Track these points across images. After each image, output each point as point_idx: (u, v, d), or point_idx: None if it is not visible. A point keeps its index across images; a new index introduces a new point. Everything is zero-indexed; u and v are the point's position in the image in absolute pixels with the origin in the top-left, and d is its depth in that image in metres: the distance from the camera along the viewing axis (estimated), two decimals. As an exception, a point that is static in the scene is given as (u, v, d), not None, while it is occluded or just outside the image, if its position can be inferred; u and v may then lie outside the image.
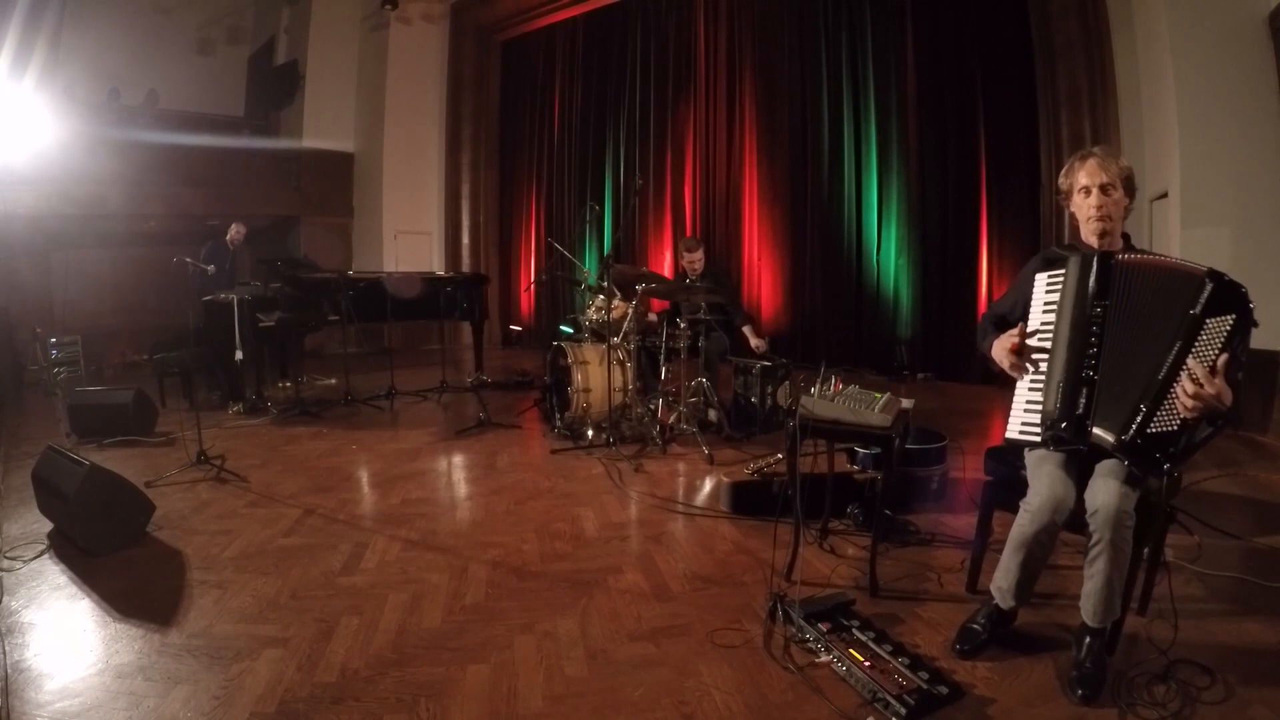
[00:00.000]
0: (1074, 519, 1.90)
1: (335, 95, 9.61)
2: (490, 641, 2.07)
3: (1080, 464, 1.89)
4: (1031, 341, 1.94)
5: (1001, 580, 1.96)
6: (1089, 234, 1.99)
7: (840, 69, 6.89)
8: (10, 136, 6.00)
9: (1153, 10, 4.62)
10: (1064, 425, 1.84)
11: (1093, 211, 1.96)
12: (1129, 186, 1.97)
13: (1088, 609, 1.79)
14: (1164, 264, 1.84)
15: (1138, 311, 1.80)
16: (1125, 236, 2.03)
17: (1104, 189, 1.94)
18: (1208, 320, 1.71)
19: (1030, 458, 1.96)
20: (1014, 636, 2.02)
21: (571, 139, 9.31)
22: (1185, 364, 1.71)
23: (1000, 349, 2.00)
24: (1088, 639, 1.81)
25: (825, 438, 2.52)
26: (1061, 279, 1.91)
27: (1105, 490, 1.75)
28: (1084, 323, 1.84)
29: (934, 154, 6.37)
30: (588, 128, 9.12)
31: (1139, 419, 1.74)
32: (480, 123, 10.05)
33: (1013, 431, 1.95)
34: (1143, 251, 1.97)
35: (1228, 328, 1.70)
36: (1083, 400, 1.82)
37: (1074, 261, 1.88)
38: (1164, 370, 1.73)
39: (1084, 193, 1.97)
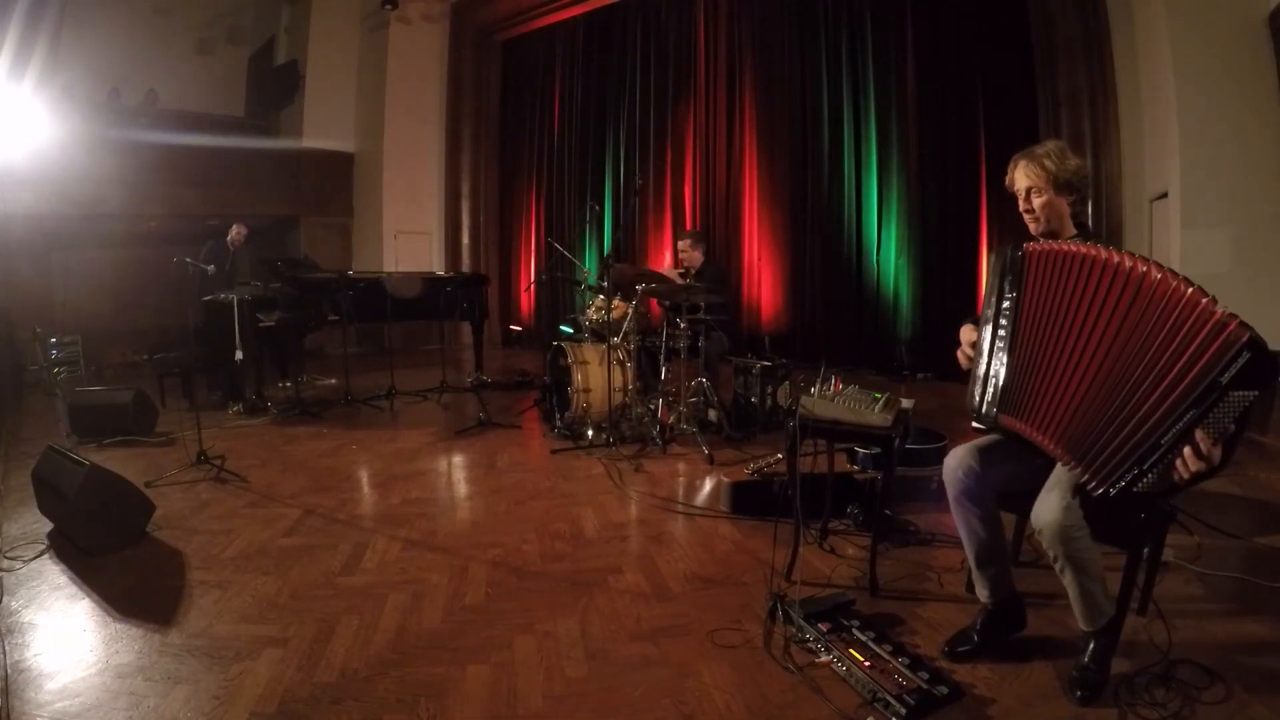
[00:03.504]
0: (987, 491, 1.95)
1: (335, 95, 9.61)
2: (490, 641, 2.07)
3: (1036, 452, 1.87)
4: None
5: (971, 572, 2.03)
6: (1032, 233, 2.03)
7: (840, 69, 6.89)
8: (10, 136, 6.00)
9: (1153, 10, 4.62)
10: (974, 415, 1.88)
11: (1025, 216, 2.03)
12: (1064, 185, 1.95)
13: (1076, 615, 1.82)
14: (1176, 293, 1.55)
15: (1084, 307, 1.69)
16: (1081, 226, 2.03)
17: (1028, 194, 1.99)
18: (1230, 392, 1.50)
19: None
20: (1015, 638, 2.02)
21: (571, 139, 9.31)
22: (1195, 433, 1.52)
23: (963, 336, 2.07)
24: (1091, 643, 1.81)
25: (825, 438, 2.52)
26: None
27: (1047, 507, 1.74)
28: (995, 315, 1.87)
29: (934, 154, 6.37)
30: (588, 128, 9.13)
31: (1128, 478, 1.61)
32: (480, 123, 10.05)
33: (975, 422, 2.01)
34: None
35: (1247, 404, 1.51)
36: (990, 390, 1.84)
37: (994, 256, 1.93)
38: (1170, 435, 1.55)
39: (1016, 195, 2.04)
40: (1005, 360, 1.84)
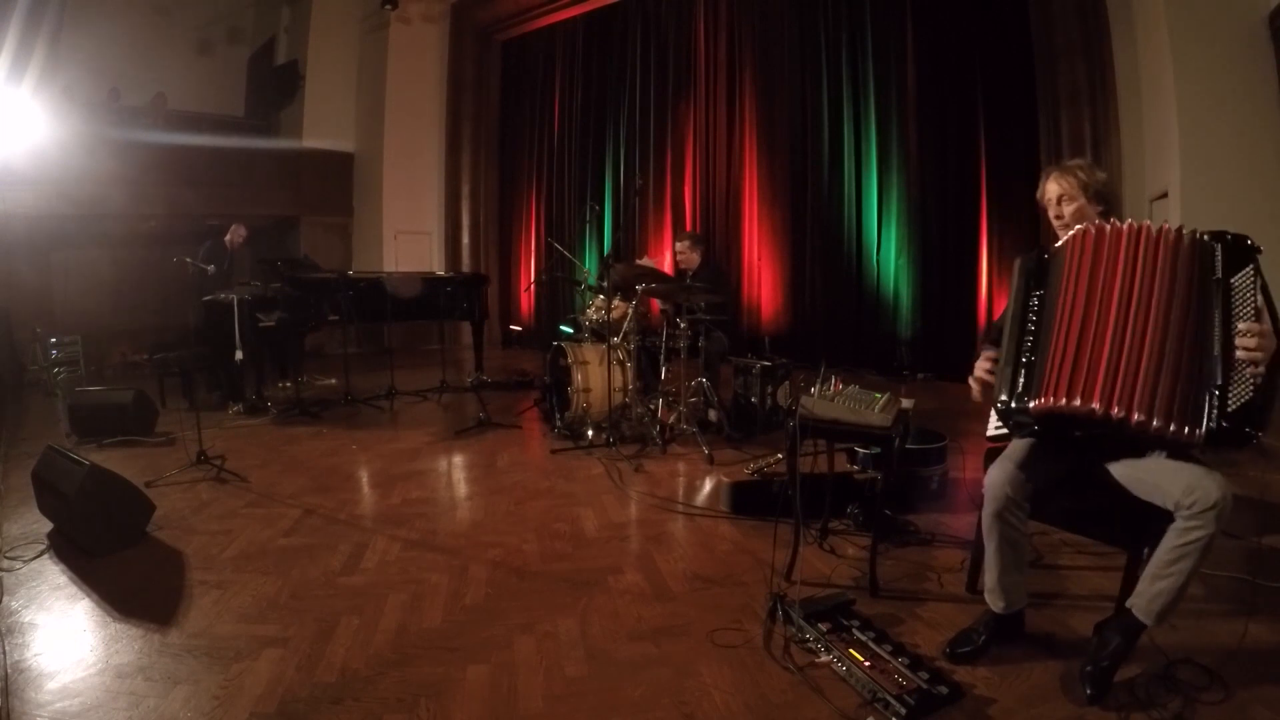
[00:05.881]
0: (1043, 506, 1.95)
1: (335, 95, 9.61)
2: (490, 641, 2.08)
3: (1065, 454, 1.89)
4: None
5: (986, 579, 1.96)
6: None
7: (840, 69, 6.89)
8: (10, 136, 6.00)
9: (1153, 10, 4.62)
10: (1001, 407, 1.87)
11: (1055, 223, 2.12)
12: (1095, 195, 2.06)
13: (1153, 609, 1.74)
14: (1144, 233, 1.79)
15: (1128, 284, 1.78)
16: None
17: (1059, 201, 2.09)
18: (1233, 280, 1.71)
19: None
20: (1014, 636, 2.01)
21: (571, 139, 9.31)
22: (1234, 328, 1.67)
23: (979, 363, 2.07)
24: (1118, 639, 1.78)
25: (825, 438, 2.52)
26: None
27: (1214, 481, 1.66)
28: (1022, 312, 1.90)
29: (934, 154, 6.37)
30: (588, 128, 9.12)
31: (1215, 404, 1.66)
32: (480, 123, 10.05)
33: (990, 430, 2.03)
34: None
35: (1250, 280, 1.71)
36: (1021, 380, 1.85)
37: (1019, 263, 1.99)
38: (1216, 346, 1.68)
39: (1047, 205, 2.15)
40: (1041, 349, 1.84)
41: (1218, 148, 4.29)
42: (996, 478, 1.90)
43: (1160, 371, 1.70)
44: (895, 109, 6.54)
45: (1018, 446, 1.95)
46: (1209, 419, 1.66)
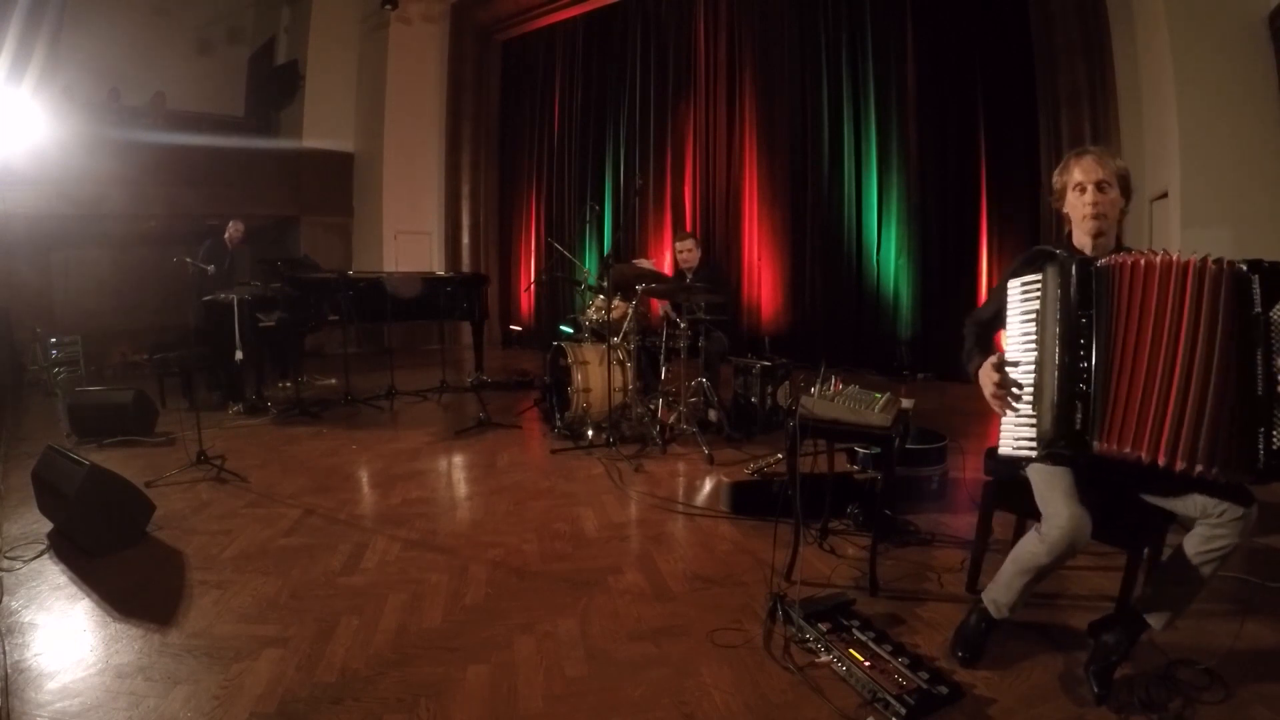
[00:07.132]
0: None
1: (335, 95, 9.61)
2: (490, 641, 2.08)
3: (1093, 479, 1.81)
4: (1011, 371, 1.86)
5: (1001, 596, 1.90)
6: (1083, 234, 1.93)
7: (840, 69, 6.89)
8: (10, 136, 6.00)
9: (1153, 10, 4.62)
10: (1062, 443, 1.75)
11: (1088, 209, 1.88)
12: (1125, 187, 1.90)
13: (1163, 613, 1.75)
14: (1179, 262, 1.68)
15: (1157, 317, 1.69)
16: (1117, 239, 1.97)
17: (1100, 186, 1.87)
18: (1271, 314, 1.60)
19: (1036, 476, 1.87)
20: (1014, 636, 2.01)
21: (571, 139, 9.32)
22: (1275, 364, 1.60)
23: (985, 375, 1.92)
24: (1122, 639, 1.78)
25: (825, 438, 2.52)
26: (1038, 287, 1.81)
27: (1240, 491, 1.66)
28: (1071, 335, 1.74)
29: (934, 154, 6.37)
30: (588, 128, 9.13)
31: (1262, 444, 1.60)
32: (480, 123, 10.06)
33: (1006, 447, 1.86)
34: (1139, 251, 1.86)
35: None
36: (1079, 416, 1.73)
37: (1050, 270, 1.79)
38: (1260, 385, 1.60)
39: (1079, 190, 1.91)
40: (1096, 381, 1.71)
41: (1218, 148, 4.29)
42: (1065, 535, 1.72)
43: (1208, 416, 1.62)
44: (895, 109, 6.55)
45: (1065, 480, 1.80)
46: (1258, 461, 1.61)
